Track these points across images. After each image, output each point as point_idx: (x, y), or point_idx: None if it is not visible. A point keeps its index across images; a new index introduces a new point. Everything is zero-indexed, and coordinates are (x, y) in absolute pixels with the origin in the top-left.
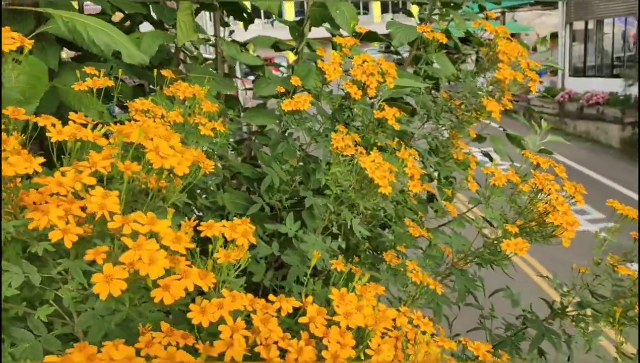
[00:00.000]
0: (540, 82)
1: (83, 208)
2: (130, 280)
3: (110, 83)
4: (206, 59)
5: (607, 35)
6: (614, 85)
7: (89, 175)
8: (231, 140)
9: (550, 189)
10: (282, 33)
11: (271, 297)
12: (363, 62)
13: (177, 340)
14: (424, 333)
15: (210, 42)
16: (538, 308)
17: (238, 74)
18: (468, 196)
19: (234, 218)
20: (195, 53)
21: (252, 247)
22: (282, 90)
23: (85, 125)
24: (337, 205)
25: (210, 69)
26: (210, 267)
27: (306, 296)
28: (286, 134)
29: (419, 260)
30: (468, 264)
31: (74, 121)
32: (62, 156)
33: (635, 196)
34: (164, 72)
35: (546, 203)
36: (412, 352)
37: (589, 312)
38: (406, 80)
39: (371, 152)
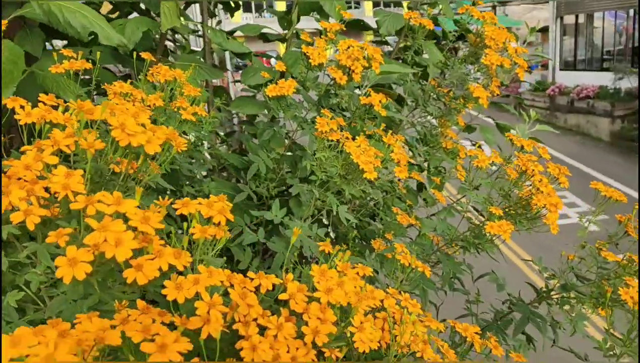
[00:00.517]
0: (529, 71)
1: (48, 190)
2: (98, 263)
3: (88, 65)
4: (194, 51)
5: (597, 29)
6: (604, 79)
7: (51, 154)
8: (221, 133)
9: (533, 171)
10: (273, 27)
11: (250, 274)
12: (348, 47)
13: (154, 318)
14: (410, 314)
15: (199, 33)
16: (524, 295)
17: (229, 67)
18: (458, 188)
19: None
20: (184, 43)
21: (238, 234)
22: (267, 75)
23: (56, 107)
24: (322, 192)
25: (198, 58)
26: (186, 244)
27: (287, 272)
28: (273, 122)
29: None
30: (455, 249)
31: (44, 103)
32: (32, 139)
33: (625, 189)
34: (143, 55)
35: (530, 185)
36: (398, 333)
37: (573, 294)
38: (393, 66)
39: (357, 138)
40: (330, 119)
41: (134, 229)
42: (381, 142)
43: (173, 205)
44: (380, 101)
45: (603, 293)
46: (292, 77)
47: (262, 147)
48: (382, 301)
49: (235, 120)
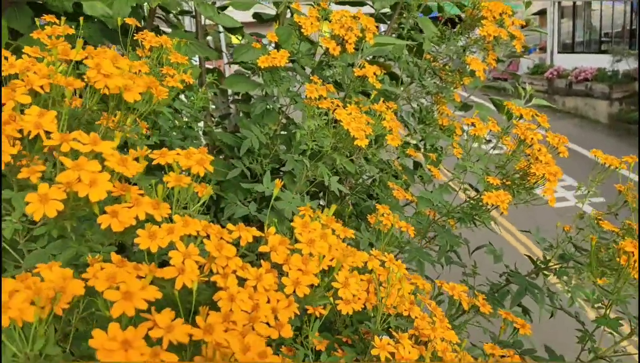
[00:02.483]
0: (521, 55)
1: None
2: (71, 205)
3: (71, 31)
4: (188, 32)
5: (595, 11)
6: (602, 61)
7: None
8: (217, 117)
9: (532, 139)
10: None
11: (230, 226)
12: (341, 17)
13: (129, 271)
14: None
15: (193, 14)
16: (520, 270)
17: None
18: (454, 166)
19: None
20: (175, 23)
21: (230, 208)
22: (258, 46)
23: (41, 60)
24: (314, 163)
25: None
26: (163, 194)
27: (268, 227)
28: (266, 97)
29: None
30: (451, 223)
31: (28, 55)
32: None
33: (623, 172)
34: (128, 20)
35: (528, 155)
36: (385, 294)
37: (571, 264)
38: (387, 38)
39: (348, 106)
40: (320, 85)
41: (111, 173)
42: (376, 116)
43: (150, 155)
44: (374, 73)
45: (602, 262)
46: None
47: (255, 122)
48: (365, 263)
49: (232, 104)
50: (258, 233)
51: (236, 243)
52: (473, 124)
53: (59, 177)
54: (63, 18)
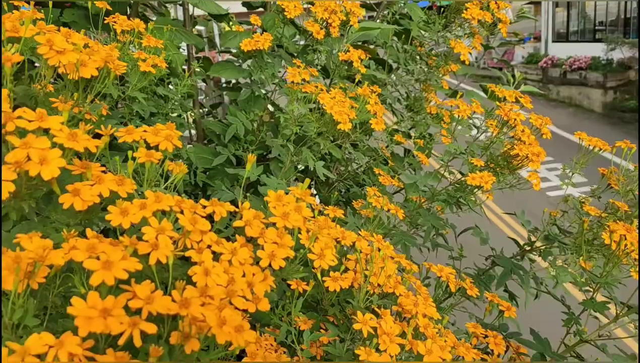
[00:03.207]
0: (513, 43)
1: None
2: (27, 185)
3: (40, 15)
4: (176, 20)
5: (589, 0)
6: (597, 50)
7: None
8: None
9: (515, 120)
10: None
11: (203, 201)
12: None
13: (105, 248)
14: (379, 250)
15: (179, 1)
16: (507, 253)
17: (218, 44)
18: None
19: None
20: (163, 11)
21: (215, 194)
22: (241, 29)
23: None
24: (298, 148)
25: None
26: (130, 171)
27: (243, 202)
28: (252, 83)
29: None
30: (437, 207)
31: None
32: None
33: (616, 159)
34: (98, 4)
35: (512, 137)
36: (369, 272)
37: (556, 245)
38: (373, 23)
39: (332, 90)
40: (303, 69)
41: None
42: (360, 100)
43: (116, 133)
44: (359, 58)
45: (587, 241)
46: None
47: (242, 109)
48: (353, 243)
49: (225, 94)
50: (232, 208)
51: (211, 222)
52: (457, 106)
53: (7, 157)
54: (32, 2)
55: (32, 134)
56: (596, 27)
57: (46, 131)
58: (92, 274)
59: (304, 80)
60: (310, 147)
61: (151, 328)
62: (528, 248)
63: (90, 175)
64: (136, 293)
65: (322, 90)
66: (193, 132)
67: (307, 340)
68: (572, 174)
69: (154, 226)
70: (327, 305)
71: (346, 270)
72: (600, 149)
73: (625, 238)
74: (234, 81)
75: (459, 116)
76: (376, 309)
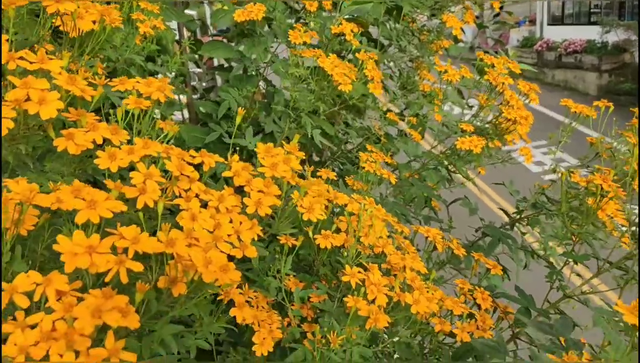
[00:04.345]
0: (509, 12)
1: None
2: (24, 127)
3: None
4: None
5: None
6: (592, 33)
7: None
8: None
9: (503, 85)
10: None
11: (192, 152)
12: None
13: (90, 190)
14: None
15: None
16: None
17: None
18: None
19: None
20: None
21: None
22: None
23: None
24: (296, 113)
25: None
26: (120, 118)
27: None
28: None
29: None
30: (433, 185)
31: None
32: None
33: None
34: None
35: (500, 103)
36: (358, 229)
37: (544, 212)
38: None
39: (330, 55)
40: (304, 32)
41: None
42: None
43: (109, 83)
44: (352, 30)
45: (574, 208)
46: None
47: (234, 86)
48: (345, 205)
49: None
50: (220, 159)
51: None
52: (446, 71)
53: (7, 95)
54: None
55: (32, 75)
56: (591, 10)
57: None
58: (77, 213)
59: (305, 43)
60: (301, 124)
61: (137, 267)
62: (517, 217)
63: (85, 122)
64: (122, 234)
65: (320, 55)
66: (186, 115)
67: (297, 297)
68: (561, 142)
69: (141, 171)
70: (319, 266)
71: (338, 231)
72: (587, 116)
73: (602, 189)
74: (227, 65)
75: (448, 80)
76: (364, 263)
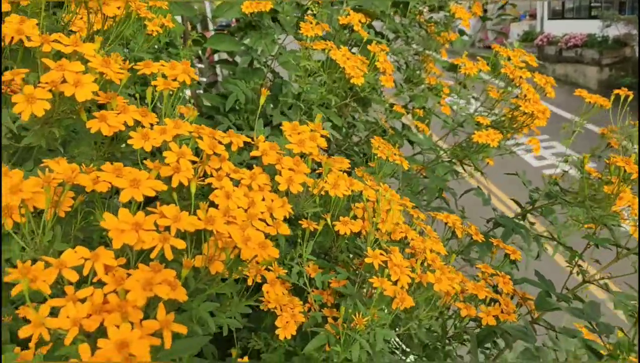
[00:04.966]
0: (513, 4)
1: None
2: (58, 110)
3: None
4: None
5: None
6: (592, 27)
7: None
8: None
9: (521, 79)
10: None
11: (220, 133)
12: None
13: (131, 170)
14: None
15: None
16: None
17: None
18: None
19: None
20: None
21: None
22: None
23: None
24: (307, 105)
25: None
26: (149, 97)
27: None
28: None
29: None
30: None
31: None
32: None
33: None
34: None
35: (516, 97)
36: (376, 216)
37: (558, 202)
38: None
39: (341, 47)
40: (316, 25)
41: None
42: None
43: (134, 66)
44: (360, 21)
45: (589, 197)
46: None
47: (241, 78)
48: (361, 192)
49: (219, 71)
50: (248, 139)
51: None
52: (463, 64)
53: (43, 77)
54: None
55: (65, 58)
56: (592, 4)
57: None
58: (121, 192)
59: (316, 35)
60: (312, 116)
61: (181, 244)
62: (529, 207)
63: (115, 105)
64: (163, 213)
65: (332, 47)
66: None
67: (320, 281)
68: (575, 131)
69: (174, 150)
70: (337, 252)
71: (355, 218)
72: (601, 106)
73: (625, 171)
74: (229, 59)
75: (465, 73)
76: (385, 246)
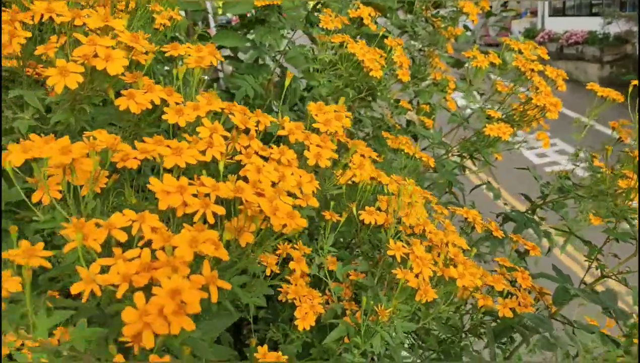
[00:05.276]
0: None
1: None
2: (89, 86)
3: None
4: None
5: None
6: (593, 24)
7: None
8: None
9: (532, 72)
10: None
11: (247, 111)
12: None
13: (170, 142)
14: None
15: None
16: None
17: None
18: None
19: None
20: None
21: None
22: None
23: None
24: (322, 100)
25: None
26: (181, 75)
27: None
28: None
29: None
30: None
31: None
32: None
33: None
34: None
35: (528, 89)
36: (397, 206)
37: (571, 196)
38: None
39: (358, 40)
40: (335, 17)
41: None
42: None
43: (162, 49)
44: (369, 14)
45: (603, 191)
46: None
47: (249, 73)
48: (386, 185)
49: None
50: (274, 119)
51: None
52: (474, 57)
53: (75, 51)
54: None
55: (95, 34)
56: (593, 1)
57: None
58: (165, 159)
59: (336, 28)
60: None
61: (220, 210)
62: (540, 202)
63: (141, 84)
64: (203, 183)
65: (349, 40)
66: None
67: (340, 273)
68: (586, 126)
69: (207, 126)
70: (360, 243)
71: (379, 209)
72: (614, 100)
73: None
74: (233, 56)
75: (477, 66)
76: (406, 238)
